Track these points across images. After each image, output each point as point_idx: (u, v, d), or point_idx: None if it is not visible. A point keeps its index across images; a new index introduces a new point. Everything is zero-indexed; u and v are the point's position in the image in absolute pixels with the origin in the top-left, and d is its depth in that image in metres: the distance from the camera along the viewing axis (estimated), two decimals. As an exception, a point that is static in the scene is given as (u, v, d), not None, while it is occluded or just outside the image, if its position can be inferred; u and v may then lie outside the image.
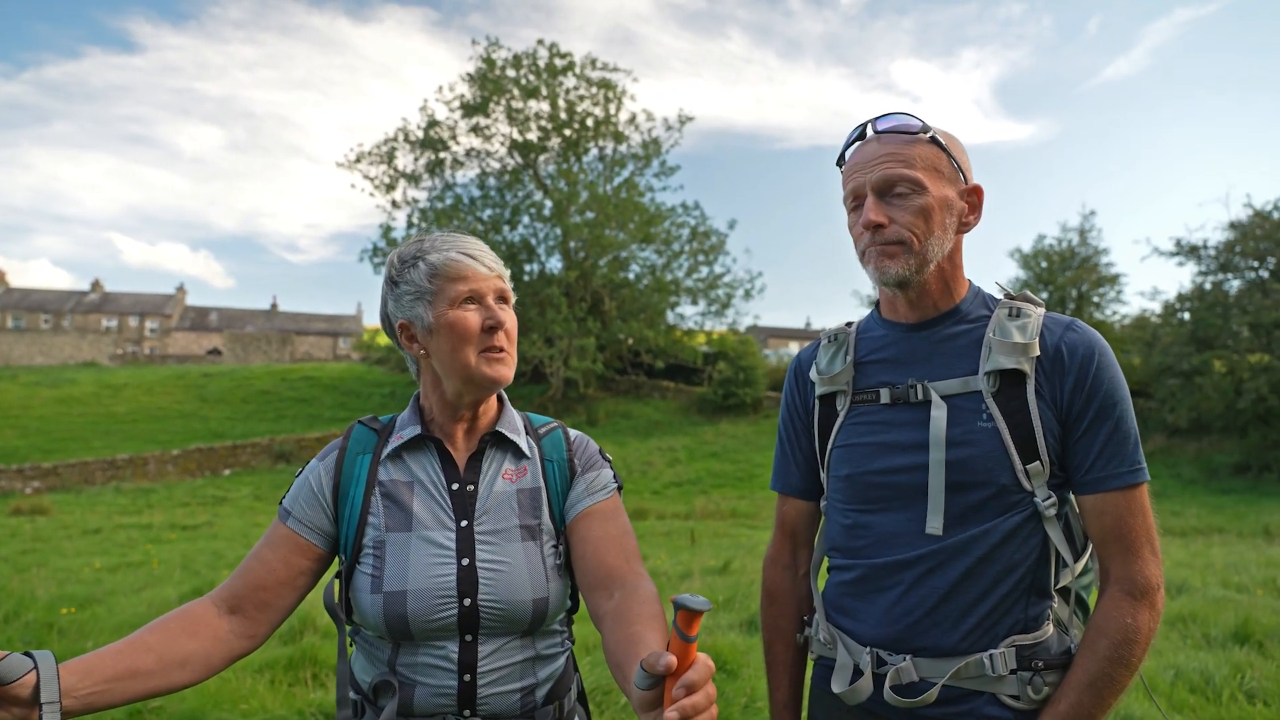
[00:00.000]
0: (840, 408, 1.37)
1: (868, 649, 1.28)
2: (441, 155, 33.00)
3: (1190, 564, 8.05)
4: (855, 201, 1.29)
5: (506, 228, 32.22)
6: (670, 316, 33.11)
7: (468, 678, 1.24)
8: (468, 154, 33.21)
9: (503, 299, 1.33)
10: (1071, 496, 1.27)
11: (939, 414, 1.24)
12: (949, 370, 1.27)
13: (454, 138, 32.74)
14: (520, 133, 32.43)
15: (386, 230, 32.40)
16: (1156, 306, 25.37)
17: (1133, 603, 1.16)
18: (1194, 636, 4.92)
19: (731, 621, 5.52)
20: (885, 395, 1.31)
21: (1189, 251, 23.39)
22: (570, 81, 32.40)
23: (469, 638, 1.25)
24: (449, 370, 1.30)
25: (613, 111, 32.76)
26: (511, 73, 31.95)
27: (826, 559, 1.44)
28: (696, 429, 27.21)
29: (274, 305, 69.77)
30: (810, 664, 1.46)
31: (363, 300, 73.63)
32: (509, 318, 1.32)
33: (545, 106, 32.18)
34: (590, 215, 30.98)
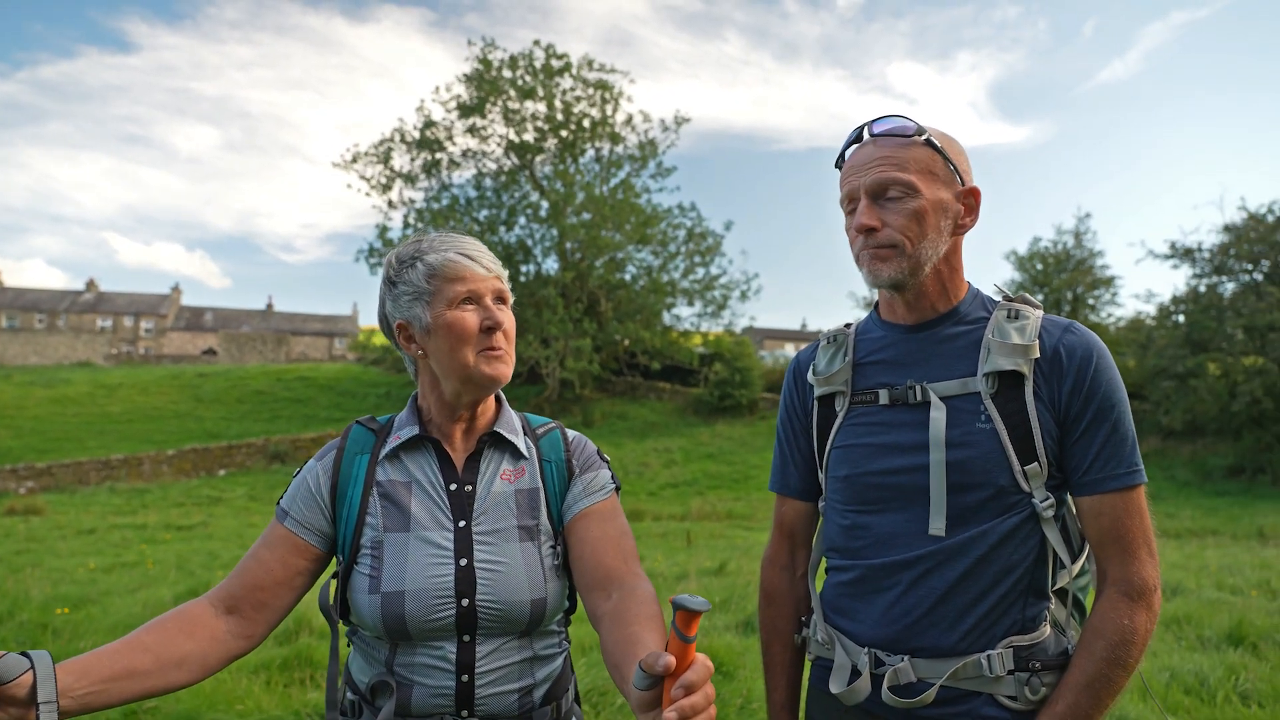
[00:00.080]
0: (839, 409, 1.38)
1: (866, 649, 1.29)
2: (438, 156, 32.99)
3: (1185, 566, 8.08)
4: (851, 204, 1.30)
5: (503, 228, 32.22)
6: (666, 318, 33.13)
7: (465, 678, 1.24)
8: (464, 155, 33.20)
9: (501, 299, 1.33)
10: (1069, 498, 1.27)
11: (938, 415, 1.24)
12: (948, 371, 1.27)
13: (450, 138, 32.73)
14: (517, 133, 32.43)
15: (383, 231, 32.36)
16: (1151, 309, 25.44)
17: (1130, 604, 1.16)
18: (1189, 638, 4.94)
19: (728, 623, 5.53)
20: (884, 396, 1.31)
21: (1183, 254, 23.46)
22: (567, 83, 32.41)
23: (467, 638, 1.25)
24: (447, 370, 1.30)
25: (609, 113, 32.78)
26: (508, 74, 31.95)
27: (824, 560, 1.45)
28: (692, 430, 27.21)
29: (269, 305, 69.66)
30: (808, 664, 1.46)
31: (359, 301, 73.59)
32: (507, 318, 1.32)
33: (542, 107, 32.18)
34: (587, 216, 30.99)
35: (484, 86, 31.52)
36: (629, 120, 33.21)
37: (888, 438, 1.29)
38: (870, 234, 1.26)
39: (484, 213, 32.72)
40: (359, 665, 1.33)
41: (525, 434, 1.41)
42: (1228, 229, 22.78)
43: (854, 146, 1.32)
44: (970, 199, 1.29)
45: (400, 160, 33.14)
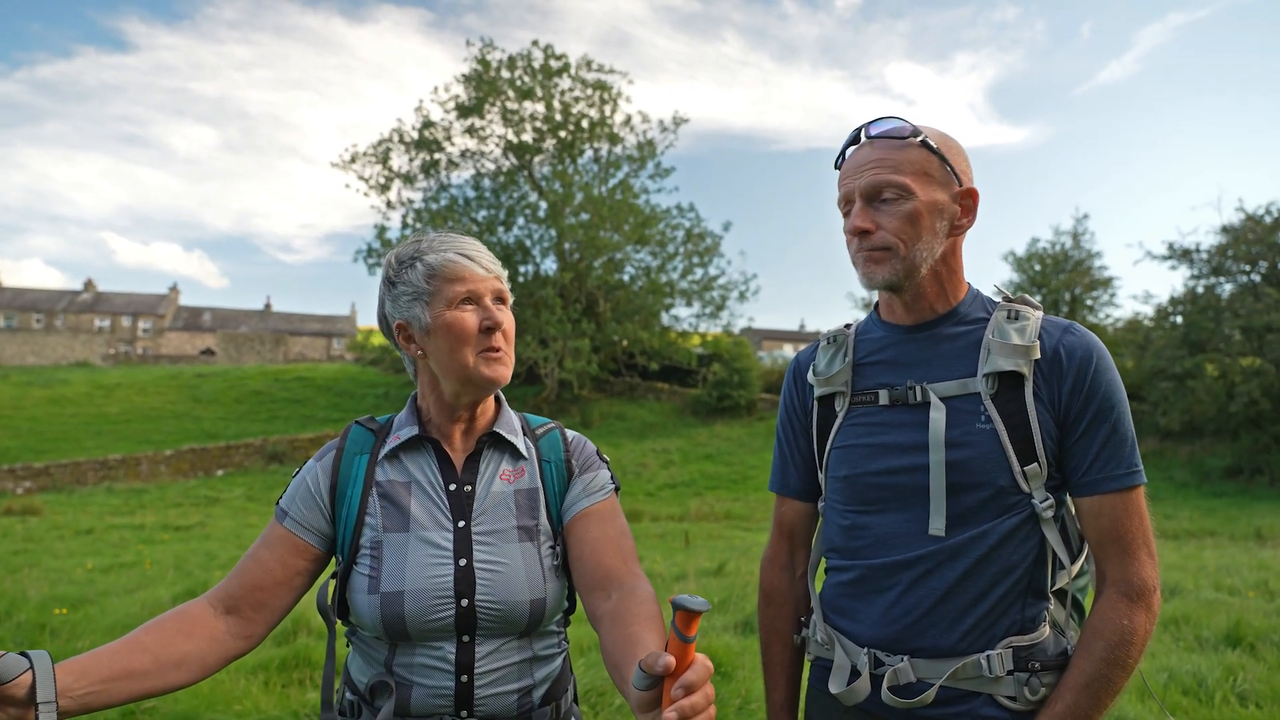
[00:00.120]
0: (839, 409, 1.38)
1: (865, 650, 1.29)
2: (436, 156, 32.98)
3: (1182, 567, 8.08)
4: (847, 206, 1.30)
5: (501, 229, 32.23)
6: (665, 318, 33.15)
7: (465, 678, 1.24)
8: (463, 155, 33.20)
9: (500, 300, 1.33)
10: (1068, 498, 1.27)
11: (938, 415, 1.24)
12: (948, 372, 1.27)
13: (449, 139, 32.73)
14: (515, 134, 32.43)
15: (381, 231, 32.35)
16: (1149, 310, 25.49)
17: (1129, 604, 1.17)
18: (1186, 639, 4.94)
19: (726, 623, 5.53)
20: (884, 397, 1.31)
21: (1181, 255, 23.49)
22: (565, 83, 32.43)
23: (466, 638, 1.25)
24: (447, 371, 1.30)
25: (608, 113, 32.79)
26: (506, 74, 31.95)
27: (824, 560, 1.45)
28: (691, 431, 27.22)
29: (268, 305, 69.64)
30: (807, 665, 1.46)
31: (357, 301, 73.57)
32: (506, 318, 1.32)
33: (540, 108, 32.18)
34: (585, 217, 31.00)
35: (482, 87, 31.53)
36: (627, 121, 33.23)
37: (887, 438, 1.29)
38: (864, 236, 1.26)
39: (482, 213, 32.73)
40: (358, 665, 1.32)
41: (525, 434, 1.41)
42: (1225, 230, 22.81)
43: (852, 148, 1.32)
44: (967, 200, 1.29)
45: (399, 160, 33.17)
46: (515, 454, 1.38)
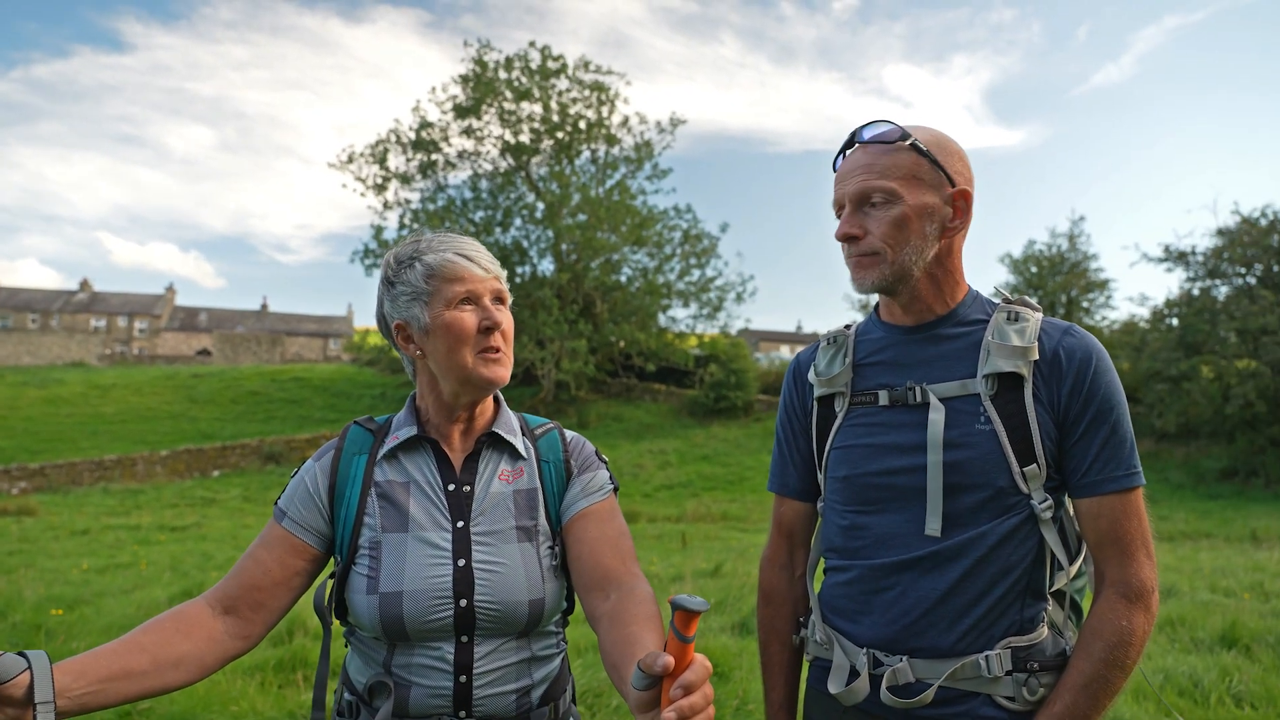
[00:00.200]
0: (839, 409, 1.38)
1: (864, 650, 1.29)
2: (434, 157, 32.99)
3: (1178, 568, 8.10)
4: (839, 211, 1.31)
5: (498, 229, 32.23)
6: (662, 319, 33.17)
7: (464, 679, 1.24)
8: (460, 156, 33.21)
9: (499, 300, 1.33)
10: (1067, 499, 1.28)
11: (937, 416, 1.24)
12: (947, 373, 1.28)
13: (446, 139, 32.74)
14: (512, 135, 32.45)
15: (378, 231, 32.34)
16: (1145, 312, 25.51)
17: (1128, 605, 1.17)
18: (1182, 640, 4.95)
19: (723, 624, 5.53)
20: (884, 397, 1.32)
21: (1177, 258, 23.54)
22: (562, 84, 32.46)
23: (465, 638, 1.25)
24: (445, 371, 1.30)
25: (605, 114, 32.82)
26: (504, 75, 31.96)
27: (823, 560, 1.45)
28: (687, 432, 27.22)
29: (264, 306, 69.54)
30: (806, 665, 1.46)
31: (353, 301, 73.49)
32: (506, 318, 1.32)
33: (537, 109, 32.20)
34: (582, 218, 31.01)
35: (480, 88, 31.53)
36: (625, 122, 33.25)
37: (887, 438, 1.30)
38: (852, 242, 1.28)
39: (480, 214, 32.73)
40: (356, 666, 1.32)
41: (523, 434, 1.41)
42: (1221, 232, 22.86)
43: (846, 153, 1.33)
44: (961, 200, 1.29)
45: (396, 161, 33.16)
46: (514, 454, 1.38)
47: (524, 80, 31.99)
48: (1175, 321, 23.38)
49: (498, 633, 1.26)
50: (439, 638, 1.24)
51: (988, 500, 1.22)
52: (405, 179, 33.30)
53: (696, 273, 33.22)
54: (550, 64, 32.11)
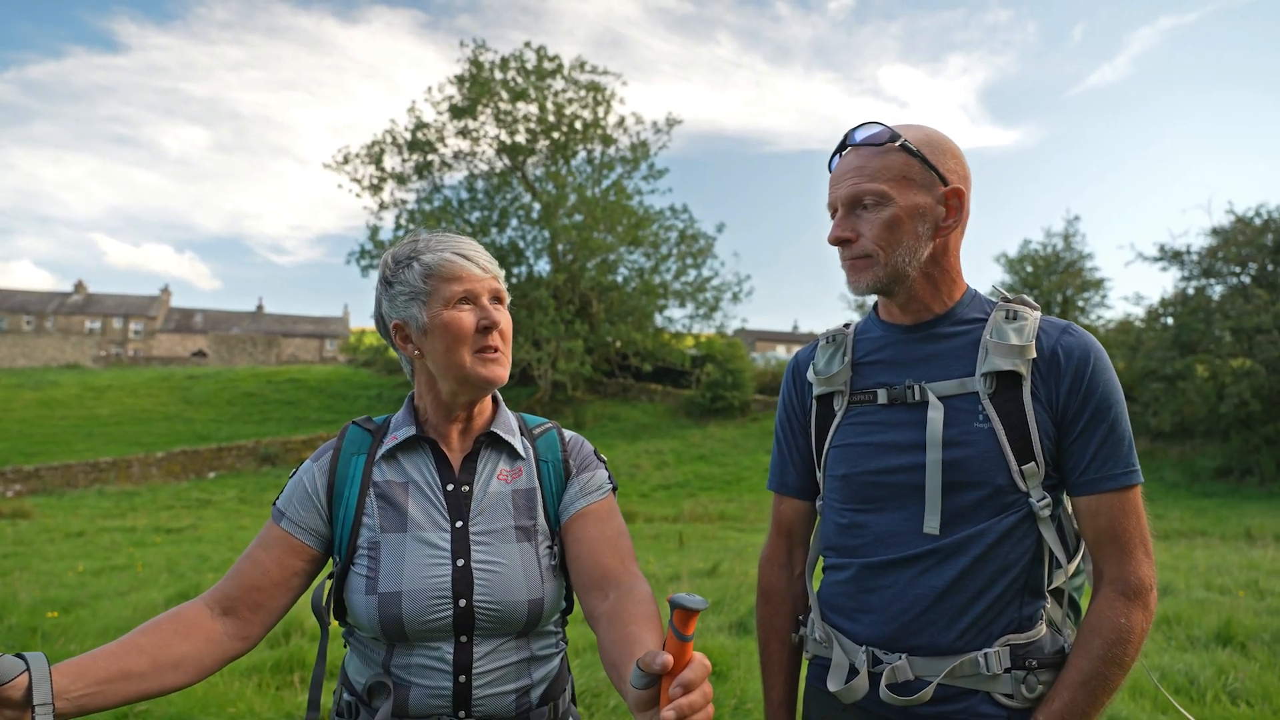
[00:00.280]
0: (837, 408, 1.38)
1: (863, 648, 1.29)
2: (429, 157, 32.99)
3: (1174, 566, 8.12)
4: (834, 214, 1.32)
5: (495, 230, 32.22)
6: (658, 319, 33.20)
7: (463, 679, 1.24)
8: (456, 156, 33.21)
9: (497, 299, 1.33)
10: (1065, 497, 1.28)
11: (936, 415, 1.25)
12: (946, 371, 1.28)
13: (442, 140, 32.73)
14: (508, 135, 32.46)
15: (374, 232, 32.33)
16: (1140, 311, 25.56)
17: (1126, 603, 1.17)
18: (1178, 638, 4.97)
19: (720, 624, 5.53)
20: (883, 396, 1.32)
21: (1172, 257, 23.61)
22: (558, 84, 32.47)
23: (464, 638, 1.25)
24: (443, 371, 1.30)
25: (601, 114, 32.84)
26: (499, 75, 31.95)
27: (822, 558, 1.45)
28: (684, 432, 27.24)
29: (260, 307, 69.37)
30: (805, 663, 1.47)
31: (349, 303, 73.38)
32: (504, 318, 1.32)
33: (533, 109, 32.22)
34: (578, 218, 31.02)
35: (475, 88, 31.52)
36: (621, 122, 33.27)
37: (886, 437, 1.30)
38: (845, 246, 1.29)
39: (476, 214, 32.73)
40: (355, 666, 1.32)
41: (522, 434, 1.41)
42: (1215, 232, 22.93)
43: (839, 156, 1.34)
44: (954, 199, 1.28)
45: (391, 161, 33.15)
46: (513, 454, 1.38)
47: (520, 80, 31.98)
48: (1170, 321, 23.46)
49: (497, 633, 1.26)
50: (438, 638, 1.24)
51: (986, 498, 1.22)
52: (401, 179, 33.29)
53: (693, 273, 33.26)
54: (546, 64, 32.12)
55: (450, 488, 1.32)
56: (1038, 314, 1.28)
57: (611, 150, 33.42)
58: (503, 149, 32.60)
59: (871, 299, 1.44)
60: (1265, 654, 4.49)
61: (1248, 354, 20.98)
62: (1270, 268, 22.10)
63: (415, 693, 1.24)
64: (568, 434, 1.45)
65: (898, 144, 1.26)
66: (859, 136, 1.29)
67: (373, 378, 35.45)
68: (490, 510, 1.31)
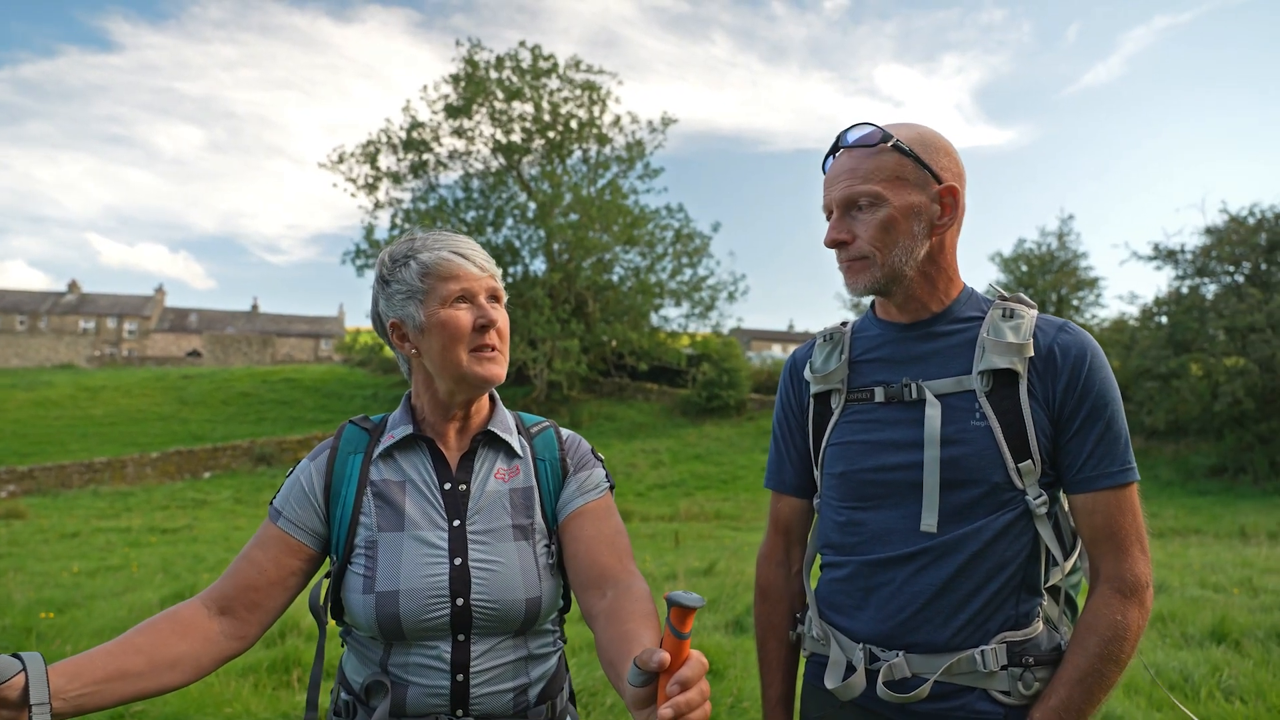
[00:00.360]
0: (835, 406, 1.39)
1: (861, 645, 1.30)
2: (425, 157, 32.90)
3: (1168, 564, 8.15)
4: (829, 216, 1.32)
5: (490, 229, 32.15)
6: (654, 319, 33.16)
7: (460, 677, 1.24)
8: (451, 155, 33.13)
9: (495, 298, 1.33)
10: (1061, 495, 1.28)
11: (933, 412, 1.25)
12: (943, 370, 1.29)
13: (437, 139, 32.66)
14: (504, 134, 32.39)
15: (369, 231, 32.26)
16: (1134, 310, 25.61)
17: (1123, 600, 1.18)
18: (1173, 635, 4.98)
19: (717, 622, 5.53)
20: (880, 394, 1.32)
21: (1166, 256, 23.66)
22: (554, 83, 32.41)
23: (462, 637, 1.25)
24: (440, 369, 1.30)
25: (596, 114, 32.79)
26: (494, 74, 31.89)
27: (819, 556, 1.46)
28: (680, 431, 27.23)
29: (255, 307, 69.23)
30: (803, 661, 1.47)
31: (345, 302, 73.31)
32: (501, 316, 1.32)
33: (529, 108, 32.16)
34: (574, 217, 30.98)
35: (471, 87, 31.46)
36: (616, 121, 33.22)
37: (883, 435, 1.30)
38: (841, 248, 1.29)
39: (471, 214, 32.66)
40: (353, 665, 1.32)
41: (519, 433, 1.41)
42: (1209, 231, 23.00)
43: (833, 157, 1.34)
44: (948, 197, 1.28)
45: (387, 161, 33.06)
46: (510, 453, 1.37)
47: (515, 80, 31.93)
48: (1164, 319, 23.52)
49: (494, 631, 1.26)
50: (436, 637, 1.24)
51: (983, 496, 1.22)
52: (396, 179, 33.21)
53: (688, 272, 33.25)
54: (541, 63, 32.07)
55: (448, 486, 1.32)
56: (1034, 312, 1.29)
57: (607, 149, 33.40)
58: (498, 148, 32.54)
59: (865, 299, 1.44)
60: (1259, 651, 4.50)
61: (1241, 353, 21.04)
62: (1264, 267, 22.17)
63: (413, 691, 1.24)
64: (565, 432, 1.45)
65: (890, 144, 1.26)
66: (851, 138, 1.29)
67: (368, 377, 35.38)
68: (488, 509, 1.31)
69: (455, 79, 31.86)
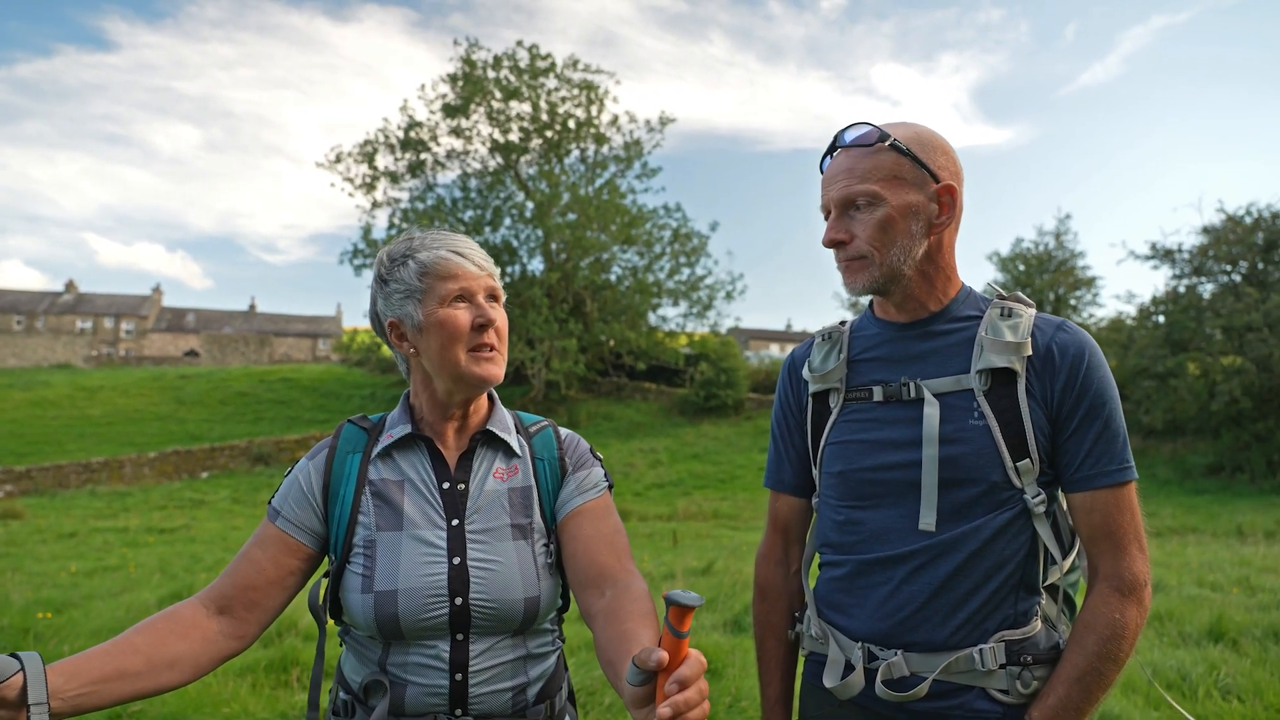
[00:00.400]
0: (833, 405, 1.39)
1: (859, 644, 1.30)
2: (422, 156, 32.86)
3: (1166, 563, 8.16)
4: (827, 216, 1.32)
5: (488, 229, 32.12)
6: (652, 318, 33.14)
7: (459, 677, 1.24)
8: (449, 155, 33.09)
9: (493, 297, 1.33)
10: (1060, 494, 1.28)
11: (931, 411, 1.25)
12: (941, 369, 1.29)
13: (435, 139, 32.62)
14: (501, 134, 32.35)
15: (367, 230, 32.22)
16: (1132, 309, 25.66)
17: (1121, 599, 1.18)
18: (1170, 634, 4.99)
19: (715, 622, 5.54)
20: (878, 393, 1.32)
21: (1163, 255, 23.69)
22: (551, 83, 32.37)
23: (460, 637, 1.25)
24: (439, 369, 1.29)
25: (594, 113, 32.76)
26: (492, 74, 31.86)
27: (818, 555, 1.46)
28: (678, 430, 27.23)
29: (252, 306, 69.19)
30: (801, 660, 1.47)
31: (342, 302, 73.28)
32: (499, 316, 1.32)
33: (526, 108, 32.12)
34: (572, 217, 30.97)
35: (468, 86, 31.42)
36: (614, 121, 33.20)
37: (881, 434, 1.30)
38: (839, 248, 1.29)
39: (469, 213, 32.62)
40: (351, 665, 1.32)
41: (518, 432, 1.41)
42: (1206, 230, 23.03)
43: (830, 157, 1.34)
44: (946, 196, 1.29)
45: (384, 160, 33.01)
46: (509, 452, 1.37)
47: (513, 79, 31.90)
48: (1162, 319, 23.55)
49: (493, 630, 1.26)
50: (434, 636, 1.24)
51: (981, 495, 1.23)
52: (394, 178, 33.17)
53: (686, 271, 33.23)
54: (539, 63, 32.04)
55: (446, 486, 1.32)
56: (1033, 311, 1.29)
57: (605, 149, 33.36)
58: (496, 148, 32.51)
59: (866, 297, 1.45)
60: (1256, 650, 4.51)
61: (1238, 352, 21.08)
62: (1260, 266, 22.20)
63: (411, 691, 1.24)
64: (564, 432, 1.45)
65: (887, 144, 1.26)
66: (849, 137, 1.29)
67: (366, 377, 35.35)
68: (486, 508, 1.31)
69: (453, 78, 31.82)
